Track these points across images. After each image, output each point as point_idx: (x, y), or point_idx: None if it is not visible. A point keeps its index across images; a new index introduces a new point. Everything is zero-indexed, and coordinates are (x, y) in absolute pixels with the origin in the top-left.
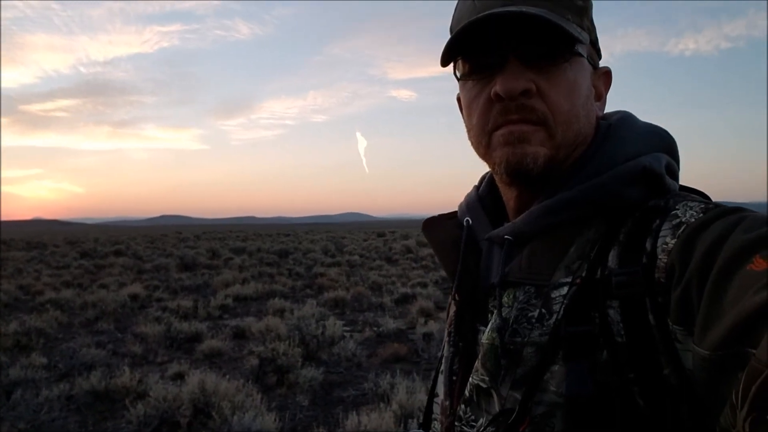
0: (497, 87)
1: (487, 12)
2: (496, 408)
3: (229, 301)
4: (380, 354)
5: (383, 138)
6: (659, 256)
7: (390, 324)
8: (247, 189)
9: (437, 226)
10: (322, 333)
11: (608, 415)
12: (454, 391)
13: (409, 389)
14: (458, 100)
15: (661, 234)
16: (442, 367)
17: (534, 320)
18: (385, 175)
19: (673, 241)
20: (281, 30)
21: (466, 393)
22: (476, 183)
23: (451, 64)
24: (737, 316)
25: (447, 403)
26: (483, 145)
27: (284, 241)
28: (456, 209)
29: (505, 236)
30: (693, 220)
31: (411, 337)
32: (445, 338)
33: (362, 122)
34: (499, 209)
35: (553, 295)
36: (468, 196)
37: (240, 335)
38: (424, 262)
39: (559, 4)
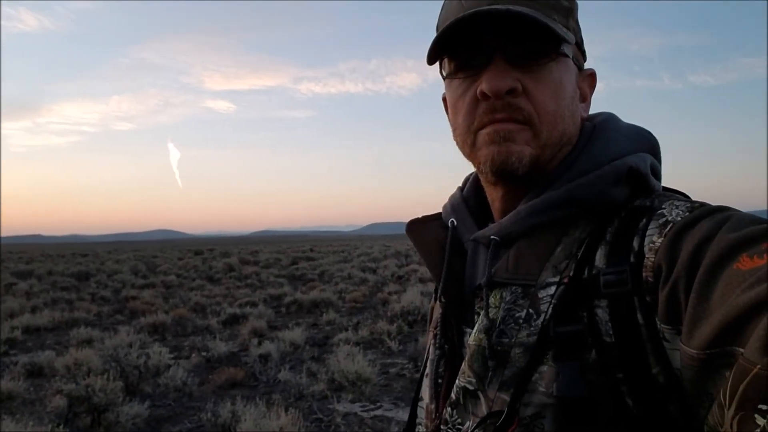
0: (483, 85)
1: (473, 10)
2: (484, 410)
3: (17, 333)
4: (213, 380)
5: (199, 151)
6: (646, 255)
7: (220, 347)
8: (32, 203)
9: (421, 228)
10: (145, 363)
11: (598, 416)
12: (440, 394)
13: (255, 416)
14: (443, 99)
15: (648, 233)
16: (427, 370)
17: (521, 321)
18: (201, 190)
19: (660, 240)
20: (79, 25)
21: (453, 395)
22: (459, 184)
23: (437, 63)
24: (724, 315)
25: (432, 406)
26: (468, 143)
27: (82, 261)
28: (440, 210)
29: (492, 236)
30: (679, 219)
31: (245, 359)
32: (431, 341)
33: (175, 133)
34: (484, 210)
35: (540, 295)
36: (452, 197)
37: (36, 373)
38: (249, 281)
39: (546, 5)
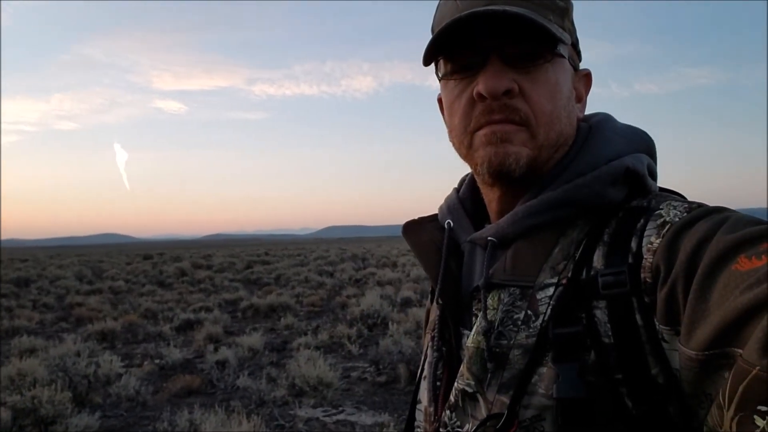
0: (479, 86)
1: (470, 11)
2: (483, 413)
3: None
4: (168, 388)
5: (148, 152)
6: (645, 256)
7: (175, 354)
8: None
9: (418, 229)
10: (95, 372)
11: (597, 417)
12: (438, 396)
13: (214, 424)
14: (439, 101)
15: (646, 234)
16: (425, 373)
17: (520, 322)
18: (151, 192)
19: (658, 241)
20: (14, 19)
21: (452, 398)
22: (455, 185)
23: (432, 64)
24: (723, 317)
25: (431, 409)
26: (465, 145)
27: (21, 267)
28: (436, 211)
29: (489, 238)
30: (677, 219)
31: (201, 366)
32: (428, 343)
33: (123, 133)
34: (480, 211)
35: (538, 297)
36: (448, 198)
37: None
38: (202, 285)
39: (541, 5)
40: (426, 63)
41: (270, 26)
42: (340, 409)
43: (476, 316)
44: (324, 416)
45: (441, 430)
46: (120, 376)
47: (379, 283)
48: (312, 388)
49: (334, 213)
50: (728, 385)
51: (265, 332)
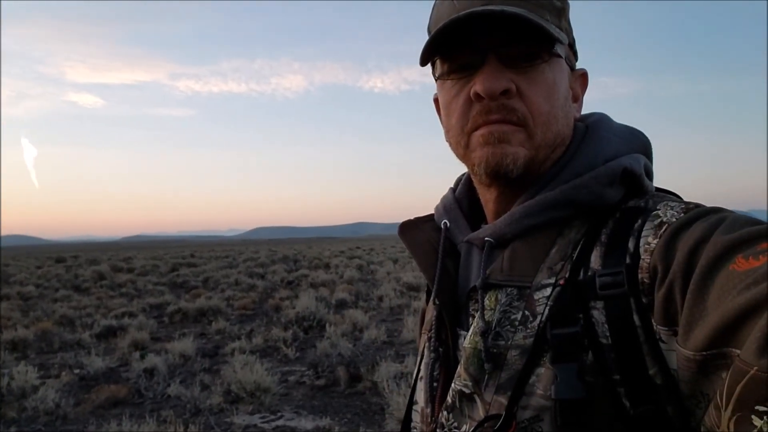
0: (477, 86)
1: (468, 11)
2: (480, 414)
3: None
4: (91, 400)
5: (60, 148)
6: (642, 257)
7: (96, 363)
8: None
9: (414, 230)
10: (8, 384)
11: (596, 417)
12: (435, 397)
13: None
14: (435, 101)
15: (643, 234)
16: (422, 374)
17: (517, 323)
18: (63, 191)
19: (655, 241)
20: None
21: (449, 399)
22: (452, 185)
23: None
24: (720, 317)
25: (428, 410)
26: (462, 145)
27: None
28: (432, 211)
29: (486, 238)
30: (674, 220)
31: (126, 375)
32: (425, 343)
33: (32, 128)
34: (476, 211)
35: (536, 297)
36: (444, 198)
37: None
38: (124, 290)
39: (539, 5)
40: (423, 63)
41: (195, 20)
42: (279, 414)
43: (473, 317)
44: (262, 422)
45: (438, 430)
46: (36, 388)
47: (313, 285)
48: (249, 394)
49: (262, 214)
50: (726, 385)
51: (195, 337)
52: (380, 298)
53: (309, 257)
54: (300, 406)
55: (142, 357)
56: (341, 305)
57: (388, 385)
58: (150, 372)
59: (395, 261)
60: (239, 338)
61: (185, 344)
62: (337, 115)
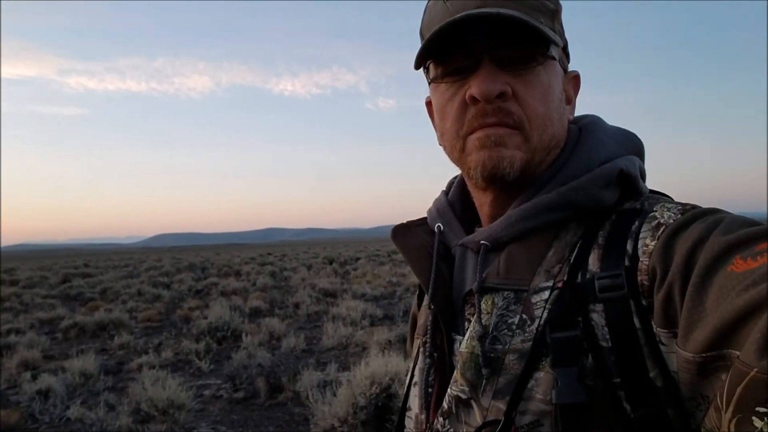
0: (473, 89)
1: (464, 13)
2: (477, 419)
3: None
4: None
5: None
6: (641, 258)
7: None
8: None
9: (407, 233)
10: None
11: (596, 421)
12: (430, 403)
13: None
14: (427, 104)
15: (641, 236)
16: (416, 380)
17: (515, 326)
18: None
19: (653, 243)
20: None
21: (445, 405)
22: (444, 188)
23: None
24: (720, 319)
25: (423, 416)
26: (457, 149)
27: None
28: (425, 215)
29: (482, 241)
30: (672, 221)
31: (17, 398)
32: (419, 349)
33: None
34: (470, 214)
35: (533, 300)
36: (437, 201)
37: None
38: (8, 304)
39: (533, 7)
40: (417, 66)
41: (87, 14)
42: (195, 431)
43: (469, 321)
44: None
45: None
46: None
47: (224, 294)
48: (161, 411)
49: (164, 219)
50: (726, 387)
51: (95, 354)
52: (296, 305)
53: (218, 265)
54: (218, 422)
55: (34, 377)
56: (256, 313)
57: (312, 395)
58: (45, 394)
59: (309, 267)
60: (146, 352)
61: (85, 361)
62: (245, 118)
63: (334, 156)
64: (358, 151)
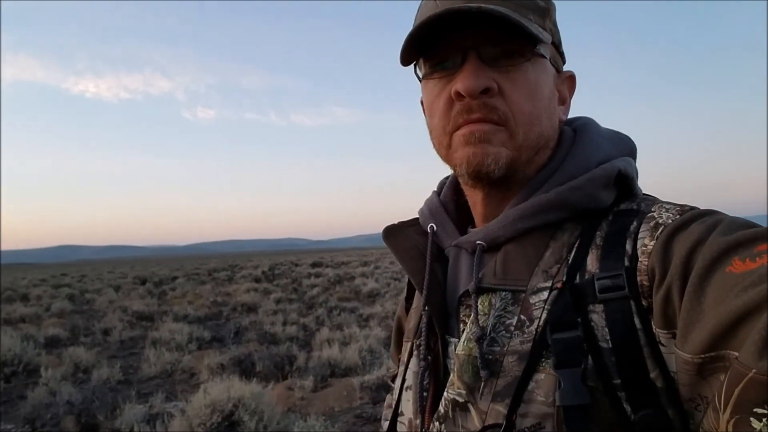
0: (458, 85)
1: (446, 8)
2: (475, 423)
3: None
4: None
5: None
6: (640, 258)
7: None
8: None
9: (399, 234)
10: None
11: (596, 423)
12: (425, 408)
13: None
14: (422, 103)
15: (640, 236)
16: (409, 383)
17: (513, 328)
18: None
19: (652, 243)
20: None
21: (441, 409)
22: (435, 188)
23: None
24: (718, 320)
25: (417, 421)
26: (444, 146)
27: None
28: (417, 215)
29: (478, 241)
30: (670, 221)
31: None
32: (412, 352)
33: None
34: (462, 214)
35: (532, 301)
36: (429, 201)
37: None
38: None
39: (521, 4)
40: (404, 63)
41: None
42: None
43: (464, 323)
44: None
45: None
46: None
47: (9, 322)
48: None
49: None
50: (724, 387)
51: None
52: (106, 331)
53: None
54: None
55: None
56: (54, 343)
57: (139, 430)
58: None
59: (117, 288)
60: None
61: None
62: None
63: (147, 167)
64: (173, 163)
